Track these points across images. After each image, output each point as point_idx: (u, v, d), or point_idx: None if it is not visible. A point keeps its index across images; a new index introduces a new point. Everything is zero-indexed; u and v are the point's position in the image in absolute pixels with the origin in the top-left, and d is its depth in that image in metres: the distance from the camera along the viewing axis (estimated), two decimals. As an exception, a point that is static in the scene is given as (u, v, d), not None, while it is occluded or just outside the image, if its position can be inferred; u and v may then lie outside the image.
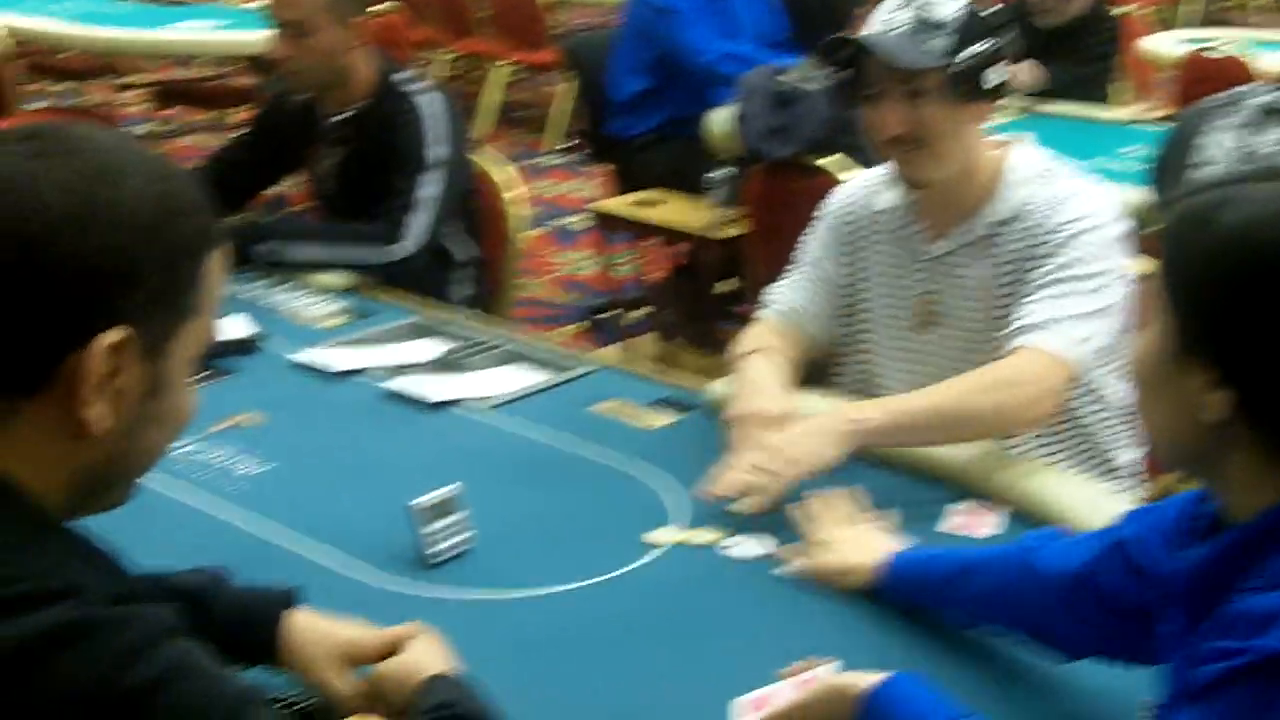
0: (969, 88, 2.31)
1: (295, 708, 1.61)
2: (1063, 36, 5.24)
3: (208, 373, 2.68)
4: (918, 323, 2.48)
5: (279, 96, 3.55)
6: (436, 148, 3.29)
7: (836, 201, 2.60)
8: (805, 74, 4.09)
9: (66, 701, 1.03)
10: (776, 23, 5.09)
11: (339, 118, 3.39)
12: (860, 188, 2.57)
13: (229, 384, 2.68)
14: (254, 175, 3.64)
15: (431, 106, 3.33)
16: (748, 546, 2.07)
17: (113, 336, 1.12)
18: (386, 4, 6.97)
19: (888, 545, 1.95)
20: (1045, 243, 2.33)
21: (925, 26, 2.28)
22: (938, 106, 2.30)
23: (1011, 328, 2.29)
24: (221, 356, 2.75)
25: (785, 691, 1.62)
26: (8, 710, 1.02)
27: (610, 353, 5.11)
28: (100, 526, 1.85)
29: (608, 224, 5.01)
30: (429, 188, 3.26)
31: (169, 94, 7.33)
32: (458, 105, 3.48)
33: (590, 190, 7.13)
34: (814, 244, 2.59)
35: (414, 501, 2.00)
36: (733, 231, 4.46)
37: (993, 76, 2.34)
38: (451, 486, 2.01)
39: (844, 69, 2.38)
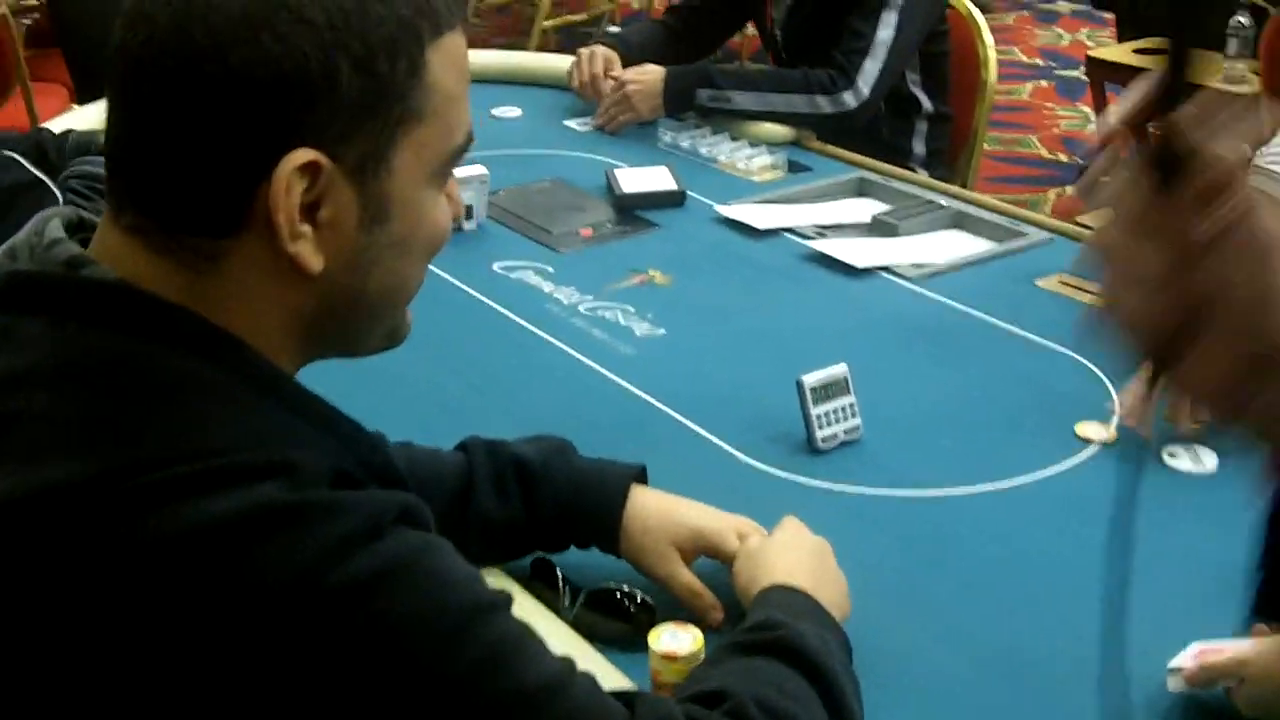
0: None
1: (630, 600, 1.44)
2: None
3: (626, 227, 2.55)
4: None
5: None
6: (900, -15, 3.01)
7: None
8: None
9: (260, 597, 0.87)
10: None
11: (799, -45, 3.15)
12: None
13: (648, 237, 2.54)
14: (714, 23, 3.46)
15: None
16: (1193, 459, 1.77)
17: (298, 159, 0.94)
18: None
19: None
20: None
21: None
22: None
23: None
24: (645, 208, 2.62)
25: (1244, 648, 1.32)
26: (199, 601, 0.87)
27: (1097, 217, 4.72)
28: (479, 372, 1.74)
29: (1106, 74, 4.59)
30: (888, 29, 2.98)
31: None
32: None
33: (1101, 41, 6.65)
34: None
35: (805, 377, 1.79)
36: (1247, 88, 3.98)
37: None
38: (838, 366, 1.80)
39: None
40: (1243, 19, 3.95)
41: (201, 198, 0.96)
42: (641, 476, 1.50)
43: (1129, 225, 0.74)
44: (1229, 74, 4.00)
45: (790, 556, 1.40)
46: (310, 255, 0.97)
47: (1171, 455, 1.77)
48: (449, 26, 1.01)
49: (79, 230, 1.02)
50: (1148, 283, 0.73)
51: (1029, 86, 6.66)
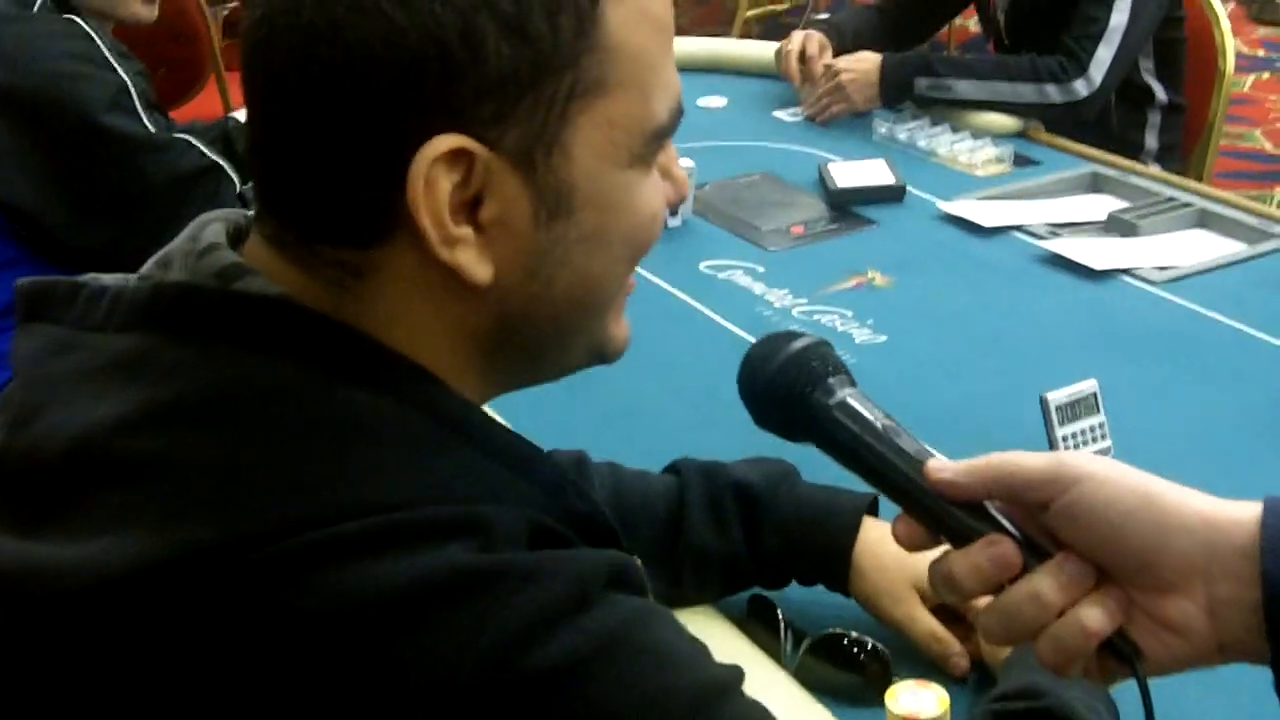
0: None
1: (861, 649, 1.28)
2: None
3: (840, 224, 2.38)
4: None
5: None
6: (1136, -33, 2.79)
7: None
8: None
9: (445, 683, 0.71)
10: None
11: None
12: None
13: (865, 235, 2.36)
14: (931, 7, 3.27)
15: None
16: None
17: (438, 147, 0.77)
18: None
19: None
20: None
21: None
22: None
23: None
24: (861, 203, 2.45)
25: None
26: (372, 686, 0.71)
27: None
28: (687, 380, 1.57)
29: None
30: (1123, 13, 2.77)
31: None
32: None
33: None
34: None
35: (1051, 394, 1.61)
36: None
37: None
38: (1088, 382, 1.61)
39: None
40: None
41: (335, 201, 0.80)
42: (874, 507, 1.34)
43: None
44: None
45: None
46: (474, 264, 0.81)
47: None
48: None
49: (246, 239, 0.87)
50: None
51: (1250, 79, 6.32)
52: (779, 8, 6.93)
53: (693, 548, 1.31)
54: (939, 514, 0.87)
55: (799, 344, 0.93)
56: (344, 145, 0.79)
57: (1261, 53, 6.68)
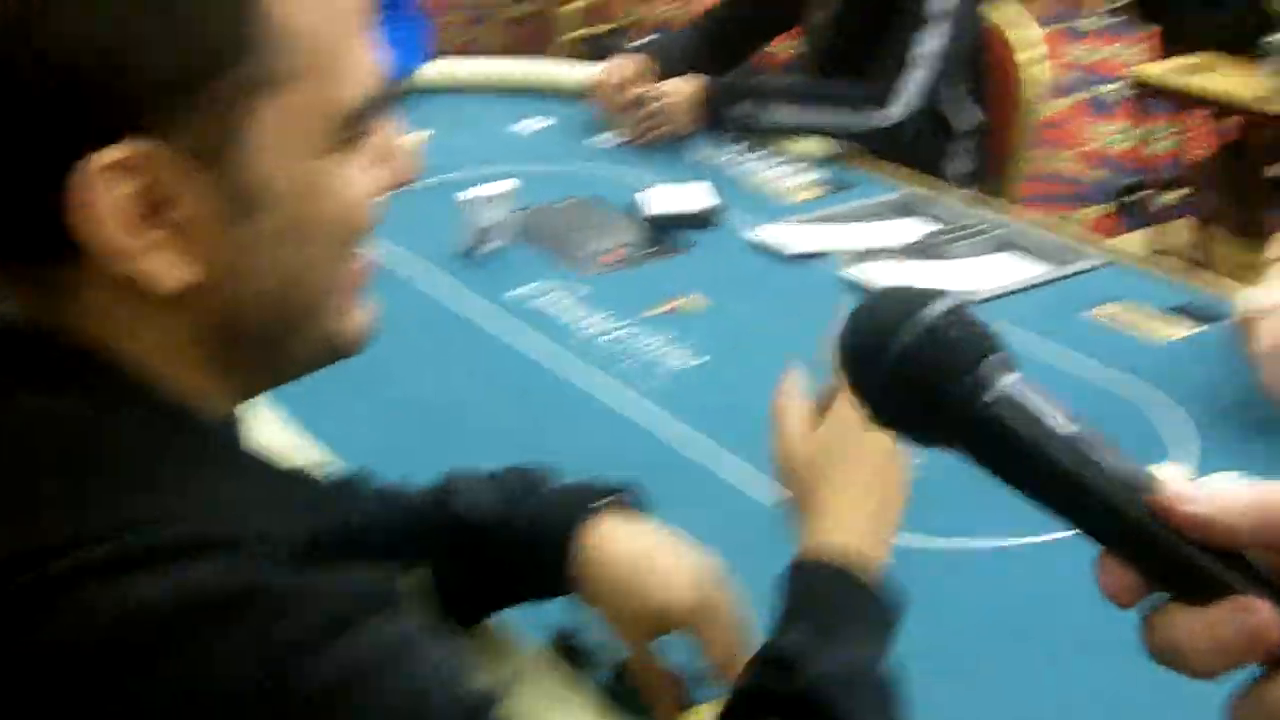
0: None
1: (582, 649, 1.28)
2: None
3: (655, 249, 2.41)
4: None
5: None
6: (942, -1, 2.87)
7: None
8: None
9: (204, 704, 0.68)
10: None
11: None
12: None
13: (677, 261, 2.39)
14: (750, 32, 3.31)
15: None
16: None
17: (108, 157, 0.74)
18: None
19: None
20: None
21: None
22: None
23: None
24: (676, 228, 2.48)
25: None
26: (125, 704, 0.68)
27: (1137, 239, 4.61)
28: (503, 409, 1.51)
29: (1147, 93, 4.44)
30: (930, 43, 2.84)
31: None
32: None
33: (1132, 57, 6.53)
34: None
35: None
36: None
37: None
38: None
39: None
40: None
41: (13, 223, 0.78)
42: (627, 498, 1.25)
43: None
44: (1274, 89, 3.88)
45: (839, 476, 1.16)
46: (167, 270, 0.78)
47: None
48: None
49: None
50: None
51: (1057, 103, 6.52)
52: (602, 29, 6.96)
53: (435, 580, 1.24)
54: (1168, 557, 0.60)
55: (936, 308, 0.66)
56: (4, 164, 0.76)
57: (1071, 76, 6.88)
